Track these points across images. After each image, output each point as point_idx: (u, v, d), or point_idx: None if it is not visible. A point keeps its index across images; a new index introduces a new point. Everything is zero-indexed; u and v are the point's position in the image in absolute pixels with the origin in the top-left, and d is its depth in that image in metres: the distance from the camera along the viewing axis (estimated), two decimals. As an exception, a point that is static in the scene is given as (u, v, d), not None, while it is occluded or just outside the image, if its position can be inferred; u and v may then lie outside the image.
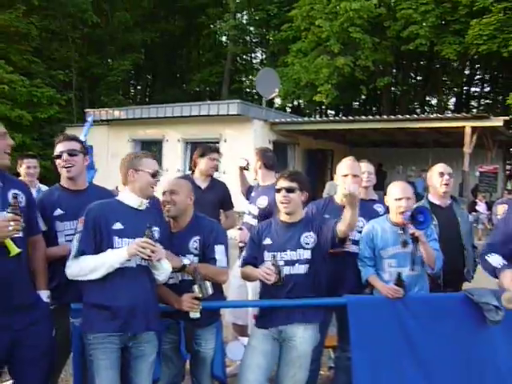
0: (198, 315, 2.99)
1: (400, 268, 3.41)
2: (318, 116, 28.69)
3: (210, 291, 2.97)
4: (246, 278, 3.46)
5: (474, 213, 13.85)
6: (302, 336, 3.17)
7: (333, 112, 30.48)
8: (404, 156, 19.81)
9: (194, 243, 3.15)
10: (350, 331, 3.23)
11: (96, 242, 2.79)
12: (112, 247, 2.77)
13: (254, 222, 4.31)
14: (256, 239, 3.36)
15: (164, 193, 3.20)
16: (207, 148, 4.67)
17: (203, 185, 4.55)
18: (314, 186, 16.74)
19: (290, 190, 3.22)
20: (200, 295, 2.94)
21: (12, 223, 2.55)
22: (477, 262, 4.27)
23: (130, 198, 2.93)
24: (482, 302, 3.29)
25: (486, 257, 3.03)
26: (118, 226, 2.81)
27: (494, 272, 3.06)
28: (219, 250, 3.15)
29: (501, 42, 17.09)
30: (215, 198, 4.52)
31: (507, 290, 2.91)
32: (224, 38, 31.96)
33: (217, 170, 4.72)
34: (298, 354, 3.17)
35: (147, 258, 2.72)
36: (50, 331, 2.88)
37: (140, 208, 2.93)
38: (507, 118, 13.92)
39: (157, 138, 16.97)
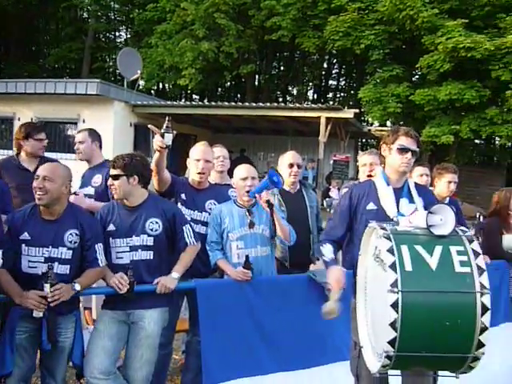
0: (40, 315, 2.82)
1: (248, 249, 3.51)
2: (182, 100, 28.47)
3: None
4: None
5: (327, 198, 14.74)
6: (151, 316, 3.18)
7: (197, 97, 30.45)
8: (265, 143, 20.44)
9: (70, 236, 2.99)
10: (199, 315, 3.27)
11: None
12: None
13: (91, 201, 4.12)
14: None
15: (37, 178, 2.98)
16: (32, 128, 4.28)
17: (32, 166, 4.13)
18: (176, 170, 16.56)
19: (114, 178, 3.20)
20: (49, 295, 2.78)
21: None
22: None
23: None
24: (323, 282, 3.53)
25: (321, 246, 3.11)
26: None
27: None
28: (100, 249, 3.08)
29: (354, 39, 18.14)
30: None
31: (332, 290, 2.91)
32: (85, 13, 30.25)
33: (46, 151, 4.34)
34: (146, 334, 3.17)
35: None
36: None
37: None
38: (357, 110, 14.97)
39: (7, 116, 15.62)
